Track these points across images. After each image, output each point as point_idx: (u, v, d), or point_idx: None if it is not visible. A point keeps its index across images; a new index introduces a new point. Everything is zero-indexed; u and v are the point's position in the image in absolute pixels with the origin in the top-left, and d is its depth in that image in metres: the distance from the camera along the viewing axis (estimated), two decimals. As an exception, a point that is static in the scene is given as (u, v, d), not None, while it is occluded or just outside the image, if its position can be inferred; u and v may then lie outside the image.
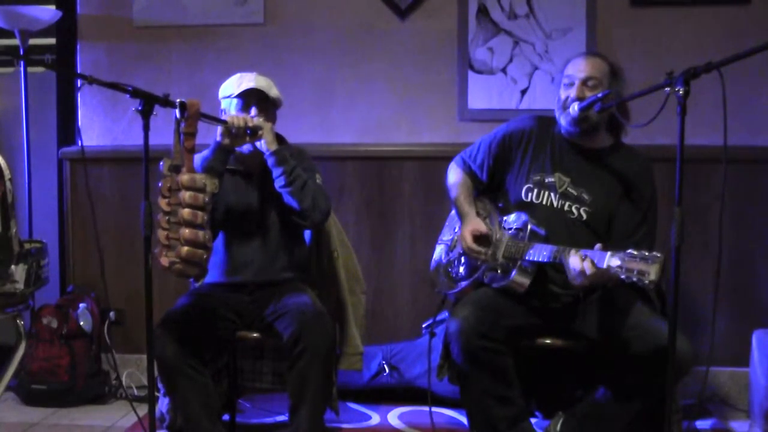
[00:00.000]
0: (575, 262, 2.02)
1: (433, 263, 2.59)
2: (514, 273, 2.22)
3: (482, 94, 3.18)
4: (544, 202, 2.33)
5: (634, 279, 1.86)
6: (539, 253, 2.16)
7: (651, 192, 2.30)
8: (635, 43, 3.08)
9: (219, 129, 2.33)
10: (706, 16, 3.05)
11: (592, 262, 1.99)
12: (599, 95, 2.20)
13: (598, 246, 2.04)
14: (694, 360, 2.06)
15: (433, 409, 2.60)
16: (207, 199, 2.12)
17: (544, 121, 2.43)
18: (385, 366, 3.02)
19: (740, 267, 3.04)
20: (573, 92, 2.27)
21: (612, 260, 1.94)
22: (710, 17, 3.05)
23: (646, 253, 1.86)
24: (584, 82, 2.26)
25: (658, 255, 1.85)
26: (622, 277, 1.89)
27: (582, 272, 2.01)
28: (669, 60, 2.63)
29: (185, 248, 2.08)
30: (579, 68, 2.29)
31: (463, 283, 2.40)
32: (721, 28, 3.03)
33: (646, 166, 2.33)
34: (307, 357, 2.22)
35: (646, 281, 1.84)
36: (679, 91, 1.78)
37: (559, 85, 2.35)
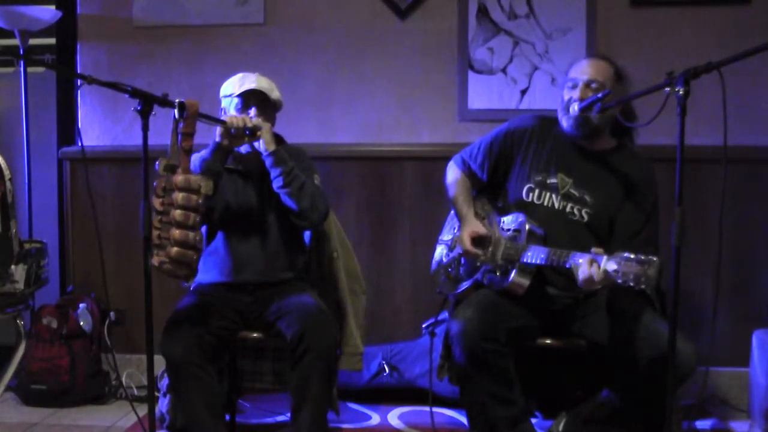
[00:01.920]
0: (584, 268, 2.00)
1: (433, 263, 2.59)
2: (513, 274, 2.21)
3: (482, 94, 3.18)
4: (545, 203, 2.33)
5: (631, 283, 1.86)
6: (536, 255, 2.16)
7: (654, 195, 2.30)
8: (635, 43, 3.08)
9: (218, 129, 2.33)
10: (706, 16, 3.05)
11: (599, 266, 1.97)
12: (599, 95, 2.19)
13: (593, 250, 2.03)
14: (696, 364, 2.06)
15: (433, 409, 2.61)
16: (200, 201, 2.12)
17: (546, 120, 2.41)
18: (385, 366, 3.02)
19: (740, 267, 3.04)
20: (576, 94, 2.26)
21: (609, 264, 1.93)
22: (710, 17, 3.05)
23: (643, 257, 1.86)
24: (587, 85, 2.25)
25: (655, 259, 1.84)
26: (619, 281, 1.89)
27: (590, 278, 1.99)
28: (669, 60, 2.64)
29: (174, 249, 2.08)
30: (583, 70, 2.28)
31: (464, 284, 2.40)
32: (721, 28, 3.03)
33: (649, 169, 2.32)
34: (310, 356, 2.22)
35: (643, 285, 1.84)
36: (679, 91, 1.77)
37: (563, 87, 2.35)
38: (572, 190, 2.32)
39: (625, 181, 2.30)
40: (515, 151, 2.41)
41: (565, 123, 2.31)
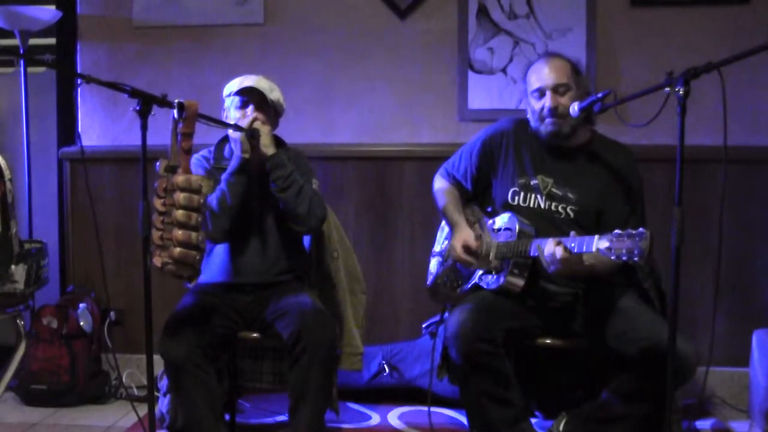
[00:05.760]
0: (549, 247, 2.04)
1: (429, 276, 2.59)
2: (507, 273, 2.22)
3: (482, 94, 3.18)
4: (531, 205, 2.33)
5: (624, 258, 1.86)
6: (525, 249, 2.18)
7: (638, 183, 2.30)
8: (635, 43, 3.07)
9: (239, 145, 2.36)
10: (706, 16, 3.05)
11: (564, 247, 2.00)
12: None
13: (572, 233, 2.04)
14: (697, 364, 2.06)
15: (433, 409, 2.61)
16: (202, 201, 2.12)
17: (521, 123, 2.41)
18: (385, 366, 3.02)
19: (740, 267, 3.04)
20: (547, 102, 2.23)
21: (600, 243, 1.94)
22: (710, 17, 3.04)
23: (633, 231, 1.86)
24: (555, 90, 2.23)
25: (645, 231, 1.84)
26: (612, 257, 1.89)
27: (552, 255, 2.02)
28: (669, 60, 2.63)
29: (178, 249, 2.08)
30: (544, 77, 2.25)
31: (462, 289, 2.41)
32: (721, 28, 3.03)
33: (630, 158, 2.32)
34: (307, 356, 2.22)
35: (636, 258, 1.84)
36: (679, 91, 1.77)
37: (526, 95, 2.32)
38: (554, 190, 2.32)
39: (606, 171, 2.29)
40: (495, 156, 2.41)
41: (543, 131, 2.29)
